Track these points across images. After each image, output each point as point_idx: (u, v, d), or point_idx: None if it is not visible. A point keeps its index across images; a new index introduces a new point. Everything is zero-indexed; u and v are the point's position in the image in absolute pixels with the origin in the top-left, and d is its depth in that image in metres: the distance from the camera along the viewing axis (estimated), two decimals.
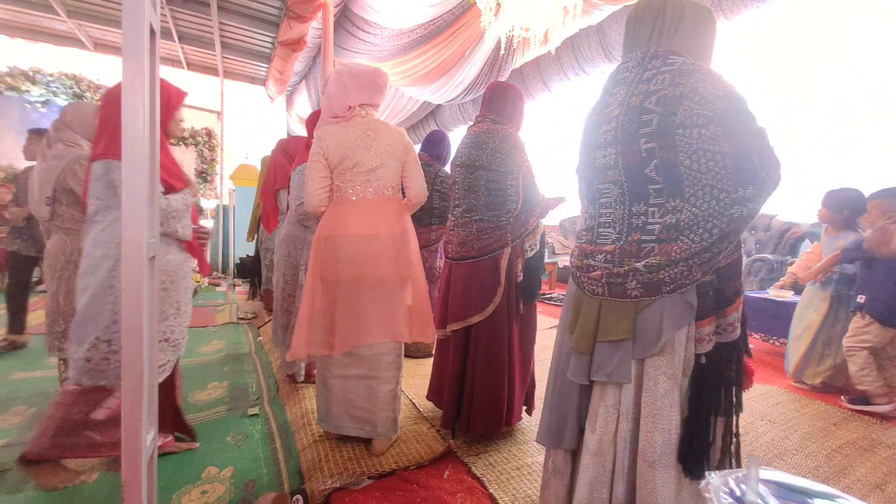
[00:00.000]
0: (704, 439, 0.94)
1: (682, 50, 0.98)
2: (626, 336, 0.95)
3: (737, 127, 0.85)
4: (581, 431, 1.07)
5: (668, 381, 0.93)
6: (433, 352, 2.76)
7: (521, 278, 1.73)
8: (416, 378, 2.45)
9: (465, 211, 1.78)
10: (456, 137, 2.95)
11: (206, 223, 6.40)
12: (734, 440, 0.98)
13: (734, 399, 0.97)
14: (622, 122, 0.97)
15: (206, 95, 6.67)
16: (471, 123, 1.89)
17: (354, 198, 1.61)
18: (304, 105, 6.54)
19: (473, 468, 1.57)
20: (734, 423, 0.98)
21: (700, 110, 0.86)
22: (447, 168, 2.70)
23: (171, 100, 1.53)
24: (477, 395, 1.68)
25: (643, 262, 0.93)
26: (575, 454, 1.11)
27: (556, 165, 6.93)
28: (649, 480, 0.92)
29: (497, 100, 1.81)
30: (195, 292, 5.52)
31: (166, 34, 5.24)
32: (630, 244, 0.97)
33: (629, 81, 0.99)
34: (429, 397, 1.98)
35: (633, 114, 0.95)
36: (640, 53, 1.00)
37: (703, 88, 0.87)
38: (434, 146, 2.78)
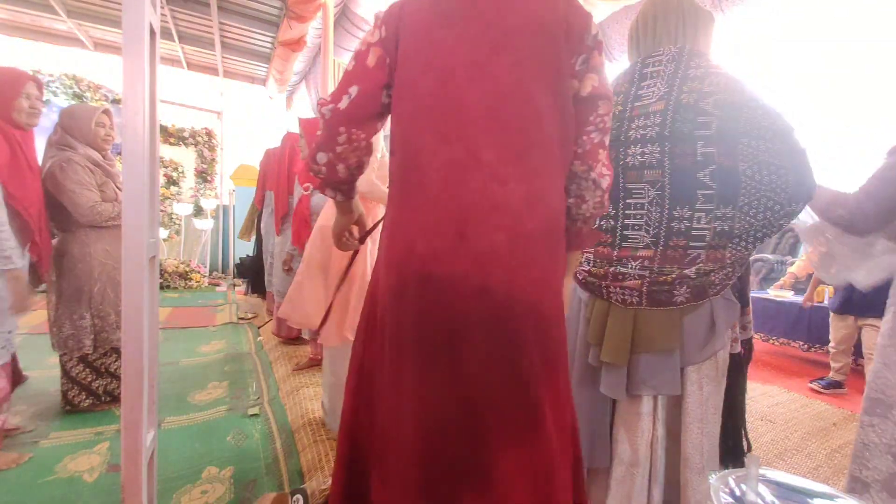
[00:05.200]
0: (739, 432, 1.00)
1: (703, 50, 0.99)
2: (675, 345, 0.92)
3: (796, 145, 0.86)
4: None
5: (710, 384, 0.92)
6: None
7: None
8: None
9: None
10: None
11: (207, 223, 6.40)
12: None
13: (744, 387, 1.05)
14: (672, 120, 0.92)
15: (206, 95, 6.66)
16: None
17: None
18: (304, 105, 6.54)
19: None
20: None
21: (765, 123, 0.85)
22: None
23: (4, 87, 1.55)
24: None
25: (693, 269, 0.91)
26: (589, 470, 1.09)
27: None
28: (697, 488, 0.91)
29: None
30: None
31: (166, 34, 5.23)
32: (673, 250, 0.93)
33: (668, 75, 0.95)
34: None
35: (686, 112, 0.91)
36: (673, 48, 0.98)
37: (763, 101, 0.87)
38: None
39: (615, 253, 1.00)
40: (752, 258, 4.28)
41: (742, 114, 0.86)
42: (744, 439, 1.03)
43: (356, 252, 1.66)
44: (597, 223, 1.03)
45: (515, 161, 0.70)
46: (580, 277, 1.09)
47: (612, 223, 1.03)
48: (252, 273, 4.74)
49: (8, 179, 1.52)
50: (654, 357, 0.94)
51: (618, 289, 0.98)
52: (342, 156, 0.78)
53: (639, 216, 0.98)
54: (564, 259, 0.81)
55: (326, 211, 1.73)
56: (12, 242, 1.52)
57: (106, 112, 2.00)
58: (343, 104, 0.76)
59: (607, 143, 0.77)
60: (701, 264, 0.90)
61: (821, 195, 1.04)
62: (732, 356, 0.97)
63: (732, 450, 1.00)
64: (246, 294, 4.95)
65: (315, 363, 2.59)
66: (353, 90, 0.77)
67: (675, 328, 0.92)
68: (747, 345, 1.02)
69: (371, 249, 1.71)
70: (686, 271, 0.91)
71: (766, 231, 0.89)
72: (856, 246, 1.07)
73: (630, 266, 0.97)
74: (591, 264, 1.05)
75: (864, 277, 1.09)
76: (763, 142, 0.85)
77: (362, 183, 1.60)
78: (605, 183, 0.77)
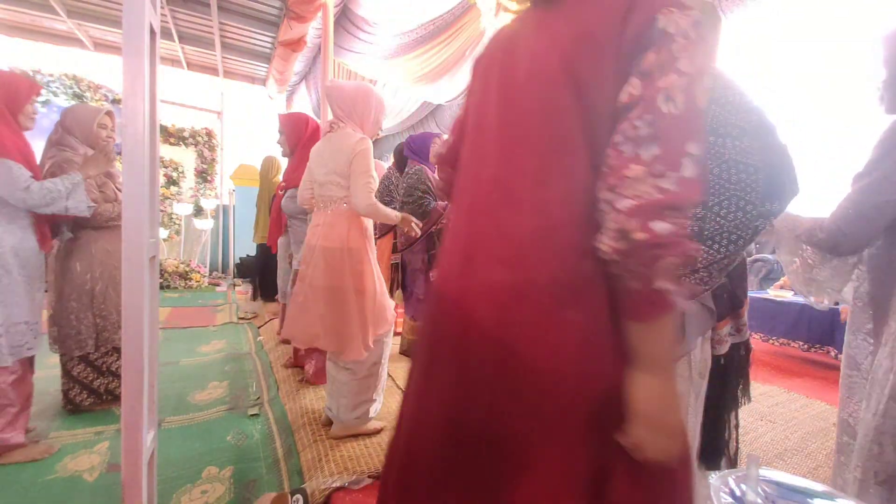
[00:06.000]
0: (723, 436, 0.99)
1: None
2: None
3: (769, 141, 0.84)
4: None
5: (684, 383, 0.92)
6: None
7: None
8: None
9: None
10: None
11: (207, 223, 6.40)
12: (736, 431, 1.05)
13: (747, 392, 1.03)
14: None
15: (206, 95, 6.66)
16: None
17: (317, 210, 1.78)
18: (304, 105, 6.54)
19: None
20: (737, 413, 1.05)
21: (733, 120, 0.84)
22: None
23: (20, 92, 1.64)
24: None
25: None
26: None
27: None
28: None
29: None
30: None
31: (166, 34, 5.23)
32: None
33: None
34: None
35: None
36: None
37: (732, 97, 0.85)
38: (420, 150, 2.82)
39: None
40: (751, 258, 4.28)
41: (709, 111, 0.85)
42: (734, 441, 1.02)
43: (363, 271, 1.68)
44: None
45: (534, 188, 0.60)
46: None
47: None
48: (259, 274, 4.66)
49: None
50: None
51: None
52: (439, 186, 0.98)
53: None
54: (589, 314, 0.58)
55: (325, 231, 1.70)
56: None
57: (109, 114, 2.00)
58: (442, 149, 0.90)
59: (649, 156, 0.51)
60: None
61: (801, 222, 1.06)
62: (721, 357, 0.96)
63: (707, 453, 0.99)
64: (255, 299, 4.89)
65: (297, 366, 2.59)
66: (449, 137, 0.88)
67: None
68: (745, 347, 1.01)
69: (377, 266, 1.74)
70: None
71: (740, 233, 0.86)
72: (837, 267, 1.09)
73: None
74: None
75: (848, 295, 1.16)
76: (730, 139, 0.84)
77: (361, 205, 1.62)
78: (627, 204, 0.50)
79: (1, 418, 1.58)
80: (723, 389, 0.98)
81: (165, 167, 6.30)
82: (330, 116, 1.83)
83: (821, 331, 2.92)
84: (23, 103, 1.66)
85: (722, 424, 1.00)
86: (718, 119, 0.84)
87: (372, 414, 1.82)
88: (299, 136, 2.38)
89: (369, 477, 1.49)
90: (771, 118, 0.86)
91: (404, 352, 2.89)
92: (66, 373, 1.95)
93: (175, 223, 6.40)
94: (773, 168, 0.83)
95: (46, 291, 1.94)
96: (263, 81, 6.73)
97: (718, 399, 0.98)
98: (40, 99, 6.00)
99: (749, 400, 1.04)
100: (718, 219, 0.86)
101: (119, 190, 2.00)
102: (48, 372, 2.41)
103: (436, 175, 2.78)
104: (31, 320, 1.65)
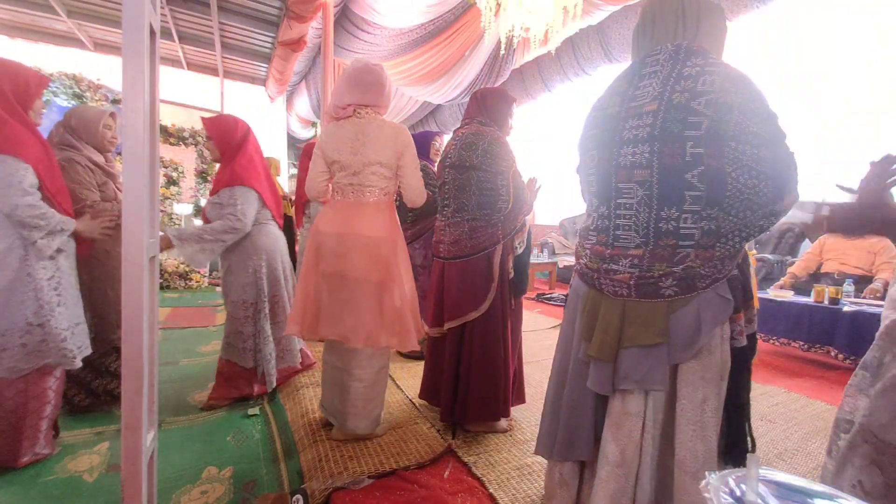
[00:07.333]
0: (744, 430, 0.98)
1: (706, 46, 0.96)
2: (659, 340, 0.92)
3: (781, 153, 0.86)
4: (595, 441, 1.04)
5: (707, 385, 0.91)
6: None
7: (512, 274, 1.77)
8: (415, 378, 2.45)
9: (455, 210, 1.80)
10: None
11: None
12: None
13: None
14: (662, 120, 0.91)
15: (206, 95, 6.66)
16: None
17: (339, 198, 1.69)
18: (304, 105, 6.54)
19: (473, 468, 1.57)
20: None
21: (754, 128, 0.85)
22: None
23: (30, 87, 1.60)
24: (473, 388, 1.73)
25: (681, 267, 0.91)
26: (583, 464, 1.09)
27: (557, 163, 6.93)
28: (692, 492, 0.89)
29: (484, 103, 1.85)
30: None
31: (166, 34, 5.24)
32: (662, 248, 0.93)
33: (663, 75, 0.94)
34: (422, 396, 2.00)
35: (677, 112, 0.89)
36: (670, 46, 0.96)
37: (755, 104, 0.86)
38: (421, 148, 2.82)
39: (608, 251, 1.01)
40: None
41: (733, 117, 0.85)
42: (748, 437, 1.01)
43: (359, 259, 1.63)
44: (594, 222, 1.12)
45: None
46: (578, 269, 1.11)
47: (606, 223, 1.03)
48: None
49: (44, 175, 1.55)
50: (638, 351, 0.94)
51: (608, 281, 1.00)
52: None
53: (628, 216, 0.98)
54: None
55: (366, 221, 1.64)
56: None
57: (112, 115, 2.00)
58: None
59: None
60: (690, 262, 0.91)
61: None
62: (736, 350, 0.96)
63: (733, 449, 0.99)
64: None
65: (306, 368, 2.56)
66: None
67: (660, 323, 0.92)
68: (751, 339, 1.01)
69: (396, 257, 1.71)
70: (674, 269, 0.92)
71: (748, 230, 0.90)
72: None
73: (620, 263, 0.98)
74: (589, 260, 1.06)
75: None
76: (749, 147, 0.85)
77: (419, 198, 1.71)
78: None
79: (44, 427, 1.60)
80: (738, 384, 0.98)
81: (165, 167, 6.29)
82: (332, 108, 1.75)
83: (821, 331, 2.92)
84: (33, 97, 1.62)
85: (743, 418, 0.99)
86: (740, 126, 0.85)
87: (383, 420, 1.82)
88: (228, 140, 2.17)
89: (369, 477, 1.49)
90: (783, 126, 0.87)
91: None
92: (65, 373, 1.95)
93: (175, 223, 6.40)
94: (780, 177, 0.86)
95: None
96: (263, 81, 6.74)
97: (737, 393, 0.98)
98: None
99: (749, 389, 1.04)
100: (732, 218, 0.89)
101: (119, 189, 2.00)
102: None
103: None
104: (84, 320, 1.69)
